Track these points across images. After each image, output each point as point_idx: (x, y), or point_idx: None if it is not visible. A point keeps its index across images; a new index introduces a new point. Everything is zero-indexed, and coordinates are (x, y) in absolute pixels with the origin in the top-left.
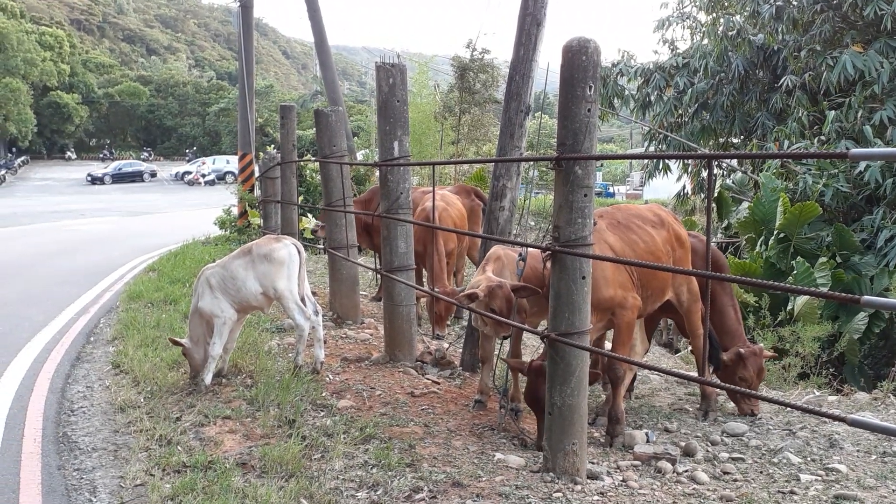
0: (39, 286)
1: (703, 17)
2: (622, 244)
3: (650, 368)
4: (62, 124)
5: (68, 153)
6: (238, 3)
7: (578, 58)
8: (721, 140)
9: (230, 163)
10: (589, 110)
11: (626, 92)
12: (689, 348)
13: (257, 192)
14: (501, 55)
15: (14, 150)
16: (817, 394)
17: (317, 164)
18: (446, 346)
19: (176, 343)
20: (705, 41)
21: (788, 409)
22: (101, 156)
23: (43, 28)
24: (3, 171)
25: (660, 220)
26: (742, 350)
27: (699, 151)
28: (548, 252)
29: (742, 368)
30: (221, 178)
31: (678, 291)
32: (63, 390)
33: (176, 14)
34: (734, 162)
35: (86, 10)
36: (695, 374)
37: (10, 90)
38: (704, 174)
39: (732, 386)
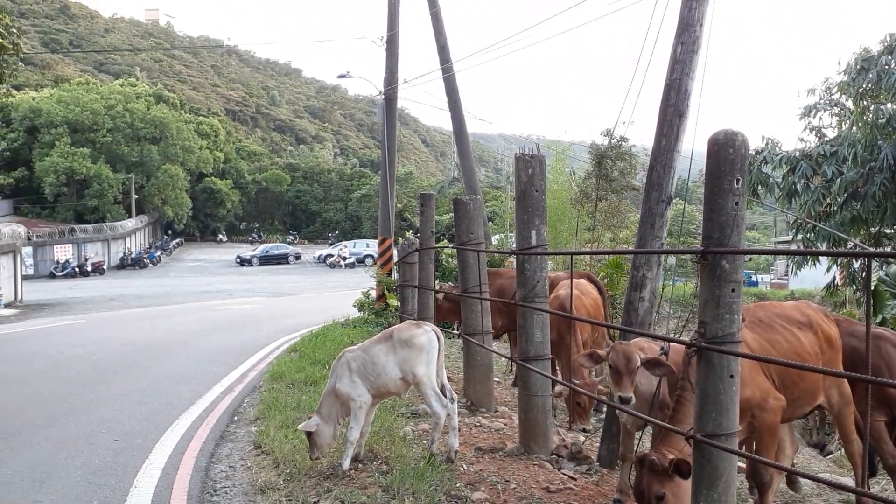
0: (189, 364)
1: (850, 104)
2: (762, 343)
3: (799, 474)
4: (215, 208)
5: (220, 236)
6: (382, 96)
7: (725, 151)
8: (873, 230)
9: (370, 246)
10: (736, 203)
11: (771, 180)
12: (843, 450)
13: (395, 275)
14: (639, 142)
15: (170, 232)
16: None
17: (453, 249)
18: (583, 439)
19: (307, 433)
20: (854, 129)
21: None
22: (249, 238)
23: (201, 118)
24: (160, 252)
25: (807, 321)
26: None
27: (852, 244)
28: (693, 348)
29: None
30: (361, 261)
31: (828, 394)
32: (207, 469)
33: (324, 105)
34: None
35: (241, 102)
36: (849, 479)
37: (169, 176)
38: (855, 265)
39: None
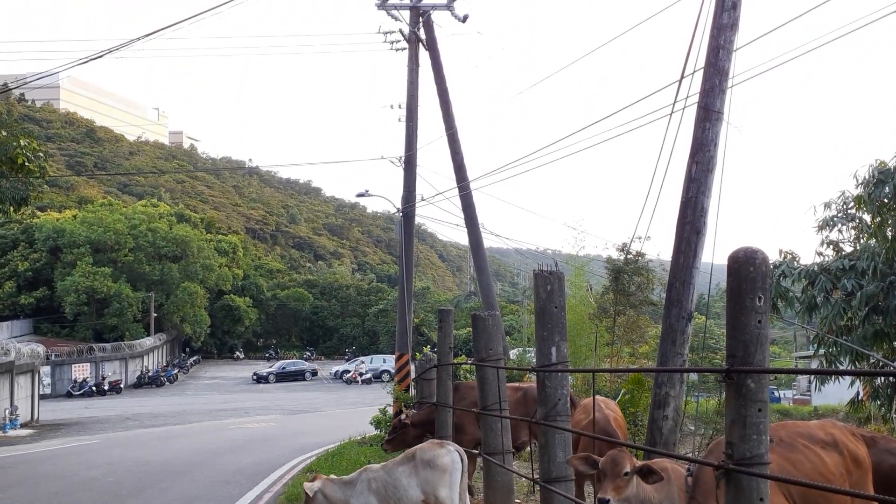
0: (204, 485)
1: (868, 218)
2: (781, 463)
3: None
4: (233, 325)
5: (237, 353)
6: (400, 213)
7: (746, 269)
8: None
9: (386, 362)
10: (759, 321)
11: (790, 294)
12: None
13: (412, 391)
14: (656, 256)
15: (188, 349)
16: None
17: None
18: None
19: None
20: (872, 242)
21: None
22: (266, 355)
23: (220, 236)
24: (177, 370)
25: (832, 441)
26: None
27: (874, 359)
28: (720, 470)
29: None
30: (378, 376)
31: None
32: None
33: (342, 223)
34: None
35: (261, 220)
36: None
37: (188, 294)
38: (879, 381)
39: None
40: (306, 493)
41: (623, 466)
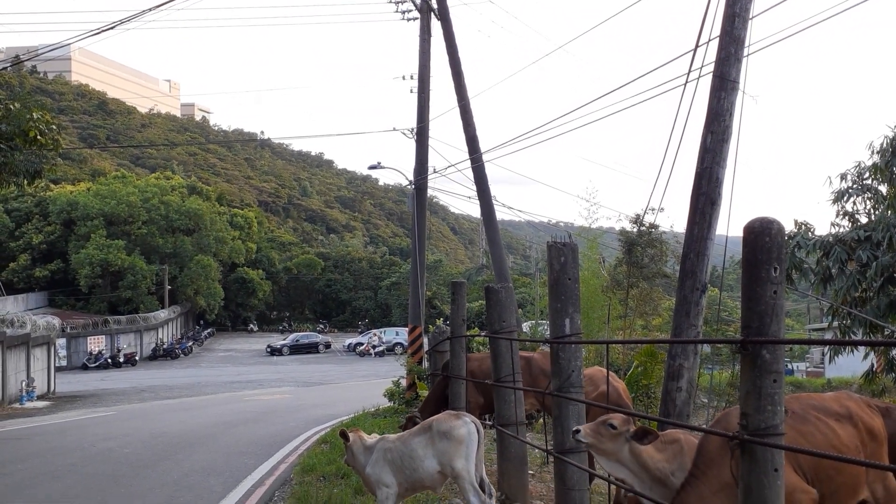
0: (220, 456)
1: (884, 189)
2: (793, 435)
3: None
4: (247, 298)
5: (251, 325)
6: (413, 186)
7: (761, 239)
8: None
9: (399, 334)
10: (775, 292)
11: (805, 265)
12: None
13: (426, 364)
14: (669, 228)
15: (202, 322)
16: None
17: (484, 338)
18: None
19: (345, 437)
20: (889, 213)
21: None
22: (280, 328)
23: (234, 210)
24: (191, 343)
25: (847, 413)
26: None
27: (891, 332)
28: (735, 441)
29: None
30: (391, 349)
31: (872, 488)
32: None
33: (354, 195)
34: None
35: (273, 193)
36: None
37: (201, 266)
38: (893, 353)
39: None
40: (345, 438)
41: (612, 420)
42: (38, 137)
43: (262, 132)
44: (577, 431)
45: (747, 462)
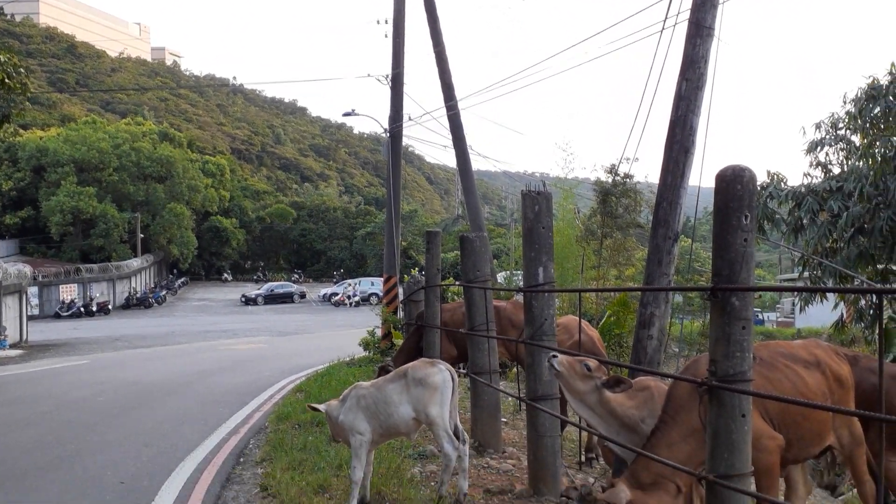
0: (194, 405)
1: (857, 139)
2: (760, 383)
3: None
4: (220, 247)
5: (225, 275)
6: (388, 134)
7: (733, 187)
8: (880, 266)
9: (374, 284)
10: (745, 240)
11: (777, 215)
12: (855, 491)
13: (401, 313)
14: (644, 178)
15: (175, 271)
16: None
17: (459, 287)
18: (592, 480)
19: (314, 409)
20: (860, 163)
21: None
22: (254, 277)
23: (206, 157)
24: (164, 292)
25: (815, 360)
26: None
27: (858, 280)
28: (704, 387)
29: None
30: (366, 299)
31: (839, 434)
32: None
33: (329, 143)
34: None
35: (246, 141)
36: None
37: (174, 215)
38: (863, 303)
39: None
40: (320, 409)
41: (588, 361)
42: (6, 81)
43: (235, 78)
44: (555, 357)
45: (715, 408)
